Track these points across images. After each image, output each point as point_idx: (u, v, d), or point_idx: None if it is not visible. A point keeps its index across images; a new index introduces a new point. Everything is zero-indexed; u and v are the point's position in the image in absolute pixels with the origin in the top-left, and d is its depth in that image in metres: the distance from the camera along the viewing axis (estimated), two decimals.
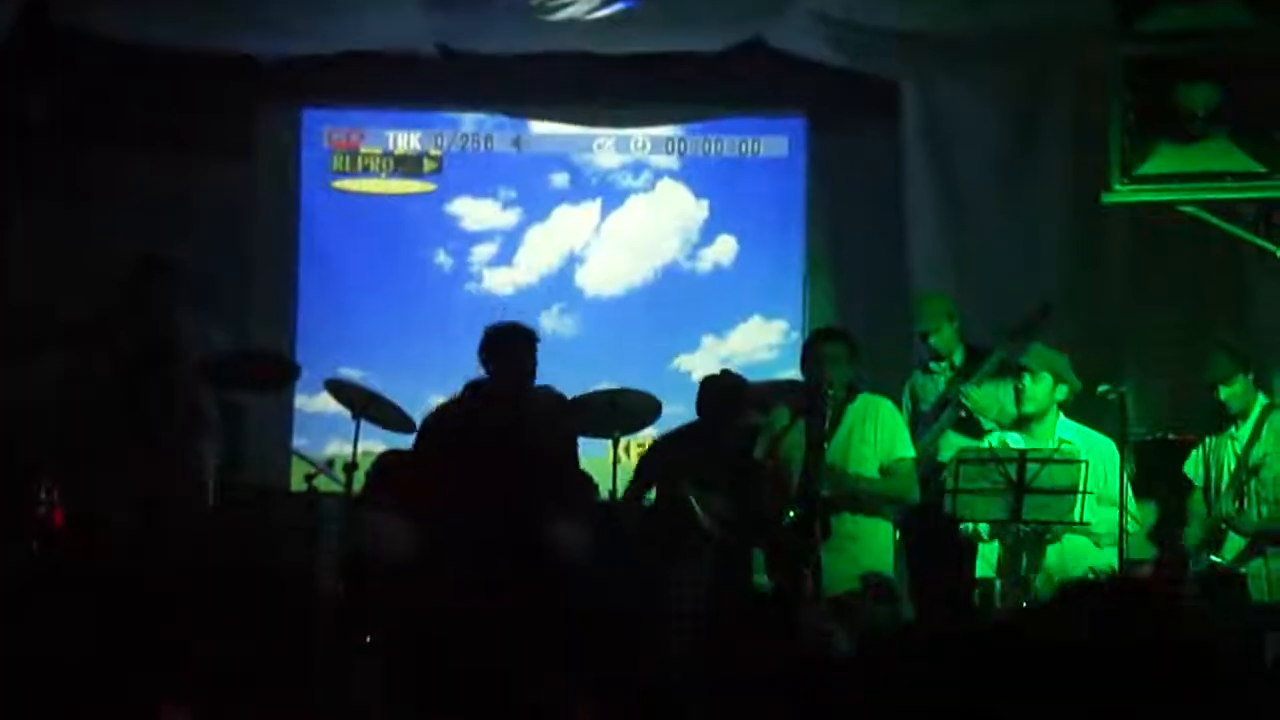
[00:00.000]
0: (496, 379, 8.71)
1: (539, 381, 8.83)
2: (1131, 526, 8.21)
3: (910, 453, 8.49)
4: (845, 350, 8.45)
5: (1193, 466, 8.86)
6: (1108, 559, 8.16)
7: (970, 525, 8.35)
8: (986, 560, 8.46)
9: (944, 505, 8.25)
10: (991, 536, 8.32)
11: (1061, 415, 8.38)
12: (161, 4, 10.37)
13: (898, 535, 8.64)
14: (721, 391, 9.28)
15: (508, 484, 8.44)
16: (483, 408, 8.72)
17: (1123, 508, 8.06)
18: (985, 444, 8.42)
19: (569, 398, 9.39)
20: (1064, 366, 8.38)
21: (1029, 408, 8.31)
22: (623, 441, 9.81)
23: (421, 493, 8.65)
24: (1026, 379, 8.32)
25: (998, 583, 8.17)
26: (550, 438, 8.79)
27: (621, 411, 9.71)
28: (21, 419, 9.79)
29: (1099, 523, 8.13)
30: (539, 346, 8.78)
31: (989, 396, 9.13)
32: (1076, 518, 7.96)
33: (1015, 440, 8.31)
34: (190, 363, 9.29)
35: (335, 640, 8.50)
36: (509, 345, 8.72)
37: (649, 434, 10.36)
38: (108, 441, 9.19)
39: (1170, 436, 9.56)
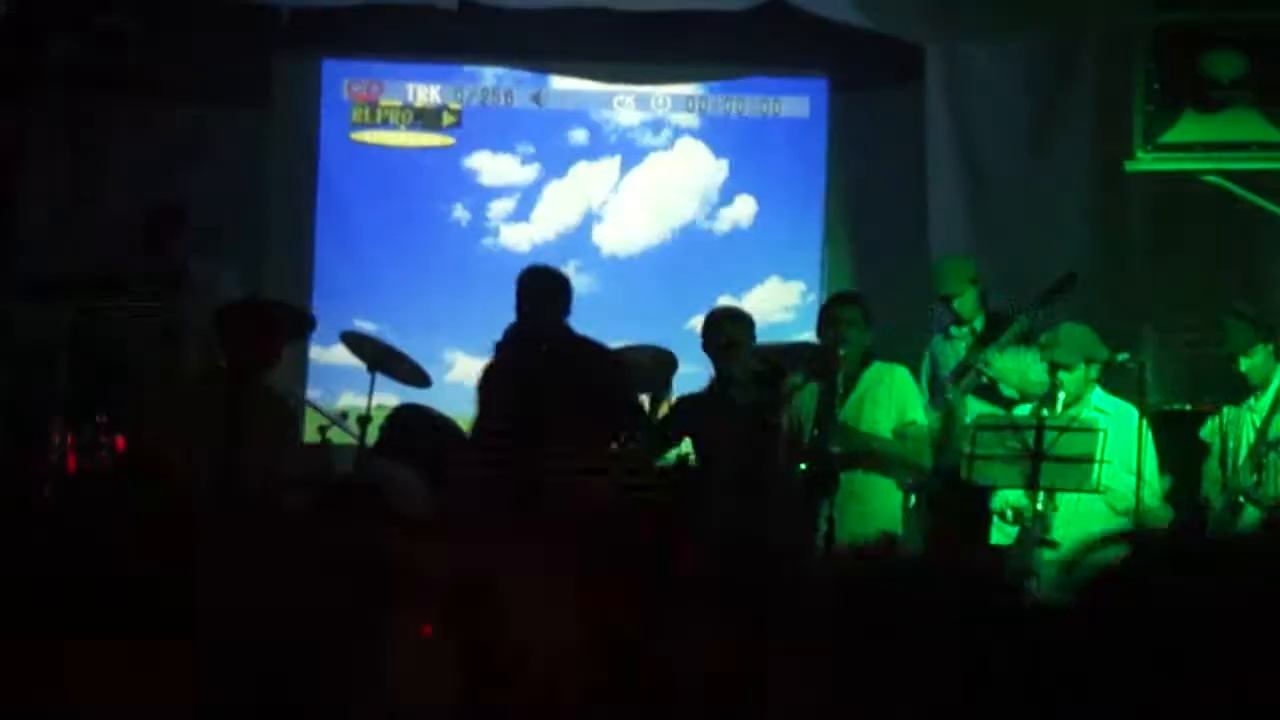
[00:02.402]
0: (520, 323, 8.64)
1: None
2: (1149, 498, 8.19)
3: (923, 418, 8.52)
4: (861, 315, 8.49)
5: (1209, 433, 8.83)
6: (1121, 526, 8.17)
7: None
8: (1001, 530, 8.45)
9: (961, 471, 8.23)
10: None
11: (1096, 388, 8.33)
12: None
13: (912, 501, 8.65)
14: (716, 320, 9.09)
15: (539, 427, 8.31)
16: (513, 353, 8.59)
17: (1140, 474, 8.03)
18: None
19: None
20: (1092, 341, 8.30)
21: (1069, 398, 8.22)
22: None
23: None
24: (1062, 374, 8.22)
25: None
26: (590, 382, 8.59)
27: (636, 371, 9.63)
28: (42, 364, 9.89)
29: (1119, 489, 8.12)
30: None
31: (1011, 364, 9.09)
32: (1093, 486, 7.93)
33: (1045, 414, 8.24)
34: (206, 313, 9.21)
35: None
36: (528, 289, 8.64)
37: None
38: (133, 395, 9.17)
39: (1189, 407, 9.53)
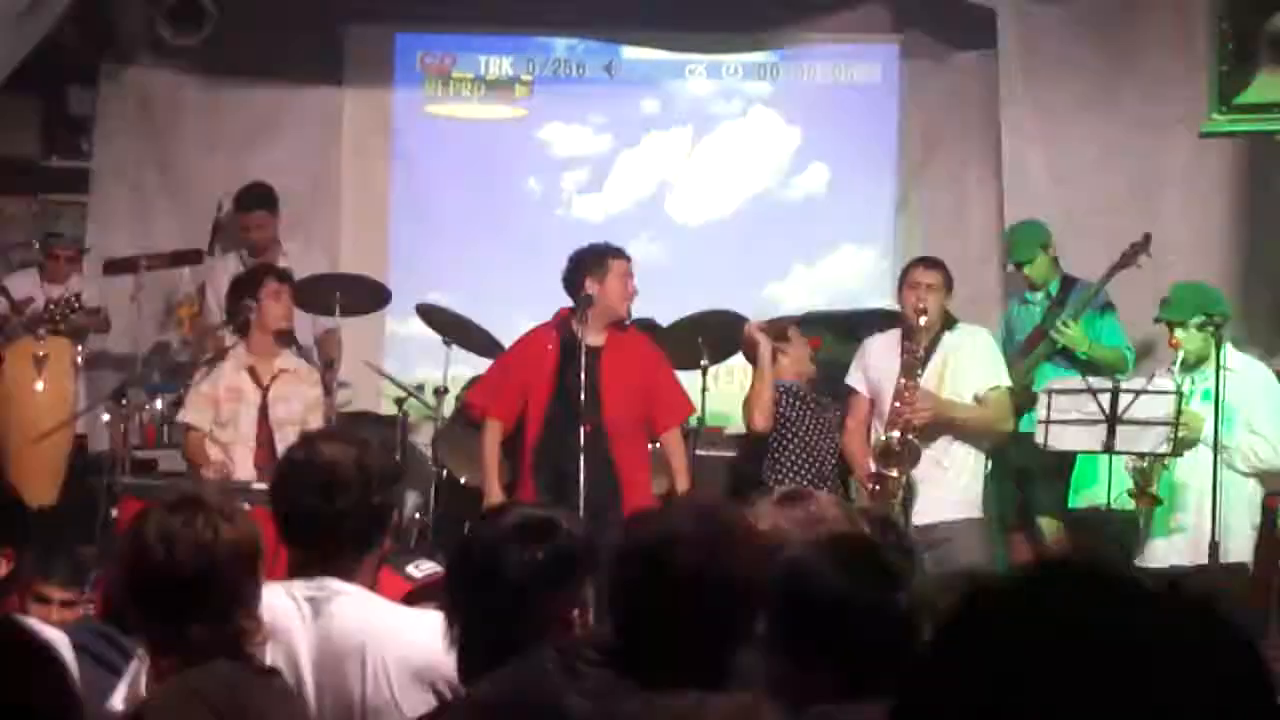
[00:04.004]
0: (591, 305, 8.45)
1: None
2: (1272, 456, 8.08)
3: (1006, 382, 8.45)
4: (941, 279, 8.41)
5: None
6: (1250, 488, 8.10)
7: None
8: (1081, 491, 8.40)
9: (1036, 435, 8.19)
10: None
11: (1228, 346, 8.14)
12: None
13: (989, 464, 8.62)
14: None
15: (598, 413, 8.30)
16: (571, 335, 8.46)
17: (1216, 440, 7.92)
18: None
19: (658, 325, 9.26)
20: (1208, 298, 8.12)
21: (1190, 358, 8.09)
22: (711, 370, 9.76)
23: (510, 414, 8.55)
24: (1179, 333, 8.09)
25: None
26: (642, 366, 8.61)
27: (709, 336, 9.56)
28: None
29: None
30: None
31: (1082, 331, 9.04)
32: (1168, 450, 7.86)
33: (1178, 380, 8.10)
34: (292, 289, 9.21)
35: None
36: (601, 269, 8.49)
37: (739, 361, 10.36)
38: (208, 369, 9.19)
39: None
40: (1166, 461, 7.92)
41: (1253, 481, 8.10)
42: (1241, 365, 8.14)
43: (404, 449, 9.91)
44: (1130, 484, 7.99)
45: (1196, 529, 7.93)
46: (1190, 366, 8.07)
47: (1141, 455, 7.86)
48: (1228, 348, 8.12)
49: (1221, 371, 7.89)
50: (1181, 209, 10.18)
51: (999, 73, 10.74)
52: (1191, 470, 8.00)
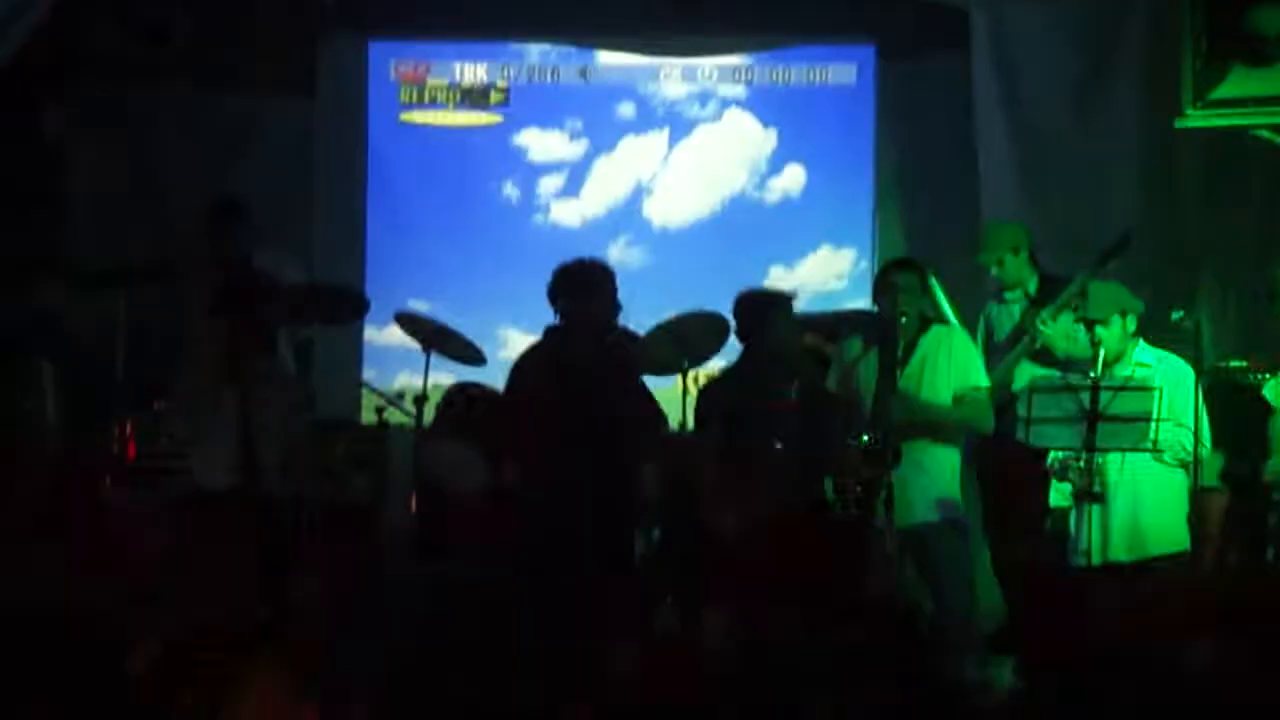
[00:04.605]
0: (575, 321, 8.65)
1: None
2: (1204, 452, 8.15)
3: (984, 381, 8.46)
4: (918, 280, 8.46)
5: (1273, 391, 8.74)
6: (1179, 480, 8.12)
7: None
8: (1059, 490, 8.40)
9: (1018, 434, 8.19)
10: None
11: (1141, 342, 8.27)
12: None
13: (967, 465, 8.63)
14: (756, 308, 8.91)
15: (587, 427, 8.39)
16: (561, 352, 8.62)
17: (1197, 432, 7.99)
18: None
19: (632, 334, 9.25)
20: (1124, 296, 8.23)
21: (1109, 355, 8.17)
22: (691, 373, 9.76)
23: (505, 436, 8.64)
24: (1099, 330, 8.17)
25: (1072, 513, 8.11)
26: (618, 377, 8.69)
27: (687, 339, 9.56)
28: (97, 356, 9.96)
29: (1171, 444, 8.06)
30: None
31: (1061, 329, 9.03)
32: (1150, 445, 7.90)
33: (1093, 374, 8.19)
34: (267, 301, 9.20)
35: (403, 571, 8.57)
36: (585, 285, 8.65)
37: (718, 363, 10.36)
38: (188, 380, 9.21)
39: (1245, 364, 9.44)
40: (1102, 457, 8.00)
41: (1181, 473, 8.13)
42: (1156, 361, 8.19)
43: (385, 458, 9.90)
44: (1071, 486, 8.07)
45: (1130, 524, 8.02)
46: (1109, 364, 8.12)
47: (1075, 455, 7.91)
48: (1140, 345, 8.20)
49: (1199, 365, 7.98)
50: (1158, 205, 10.18)
51: (973, 72, 10.73)
52: (1119, 466, 8.07)
